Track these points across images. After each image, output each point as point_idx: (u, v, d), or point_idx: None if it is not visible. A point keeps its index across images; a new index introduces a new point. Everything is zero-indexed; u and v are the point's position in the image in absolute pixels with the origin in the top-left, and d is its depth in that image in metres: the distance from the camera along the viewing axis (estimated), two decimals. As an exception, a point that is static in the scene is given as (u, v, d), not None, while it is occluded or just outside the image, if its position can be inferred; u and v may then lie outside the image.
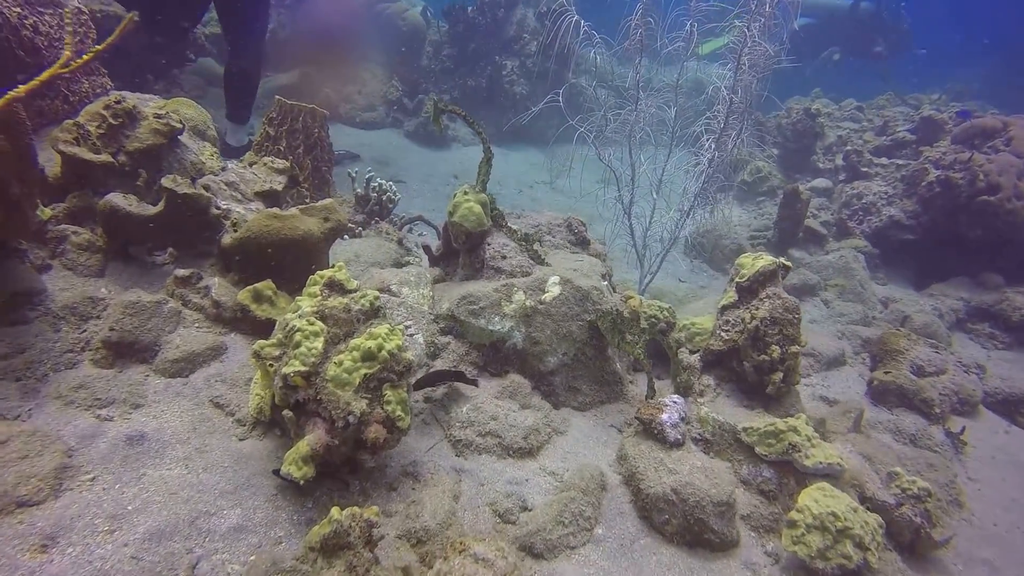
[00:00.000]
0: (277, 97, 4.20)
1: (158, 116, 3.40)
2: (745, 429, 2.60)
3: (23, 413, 2.12)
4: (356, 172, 4.45)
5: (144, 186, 3.35)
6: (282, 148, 4.17)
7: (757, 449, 2.54)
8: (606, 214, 6.87)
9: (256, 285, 2.62)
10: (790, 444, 2.45)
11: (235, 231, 2.90)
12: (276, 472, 2.04)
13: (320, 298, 2.31)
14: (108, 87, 3.95)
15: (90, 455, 2.04)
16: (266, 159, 3.71)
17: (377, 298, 2.36)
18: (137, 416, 2.25)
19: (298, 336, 2.07)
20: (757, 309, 2.87)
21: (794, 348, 2.77)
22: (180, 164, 3.56)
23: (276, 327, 2.21)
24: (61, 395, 2.21)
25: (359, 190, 4.44)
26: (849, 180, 6.69)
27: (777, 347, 2.75)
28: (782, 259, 3.08)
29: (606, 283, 3.14)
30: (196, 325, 2.61)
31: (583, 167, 4.36)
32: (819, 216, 6.58)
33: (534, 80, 8.97)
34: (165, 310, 2.53)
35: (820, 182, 6.92)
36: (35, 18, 3.51)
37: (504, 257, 2.91)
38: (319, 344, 2.07)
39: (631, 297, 3.39)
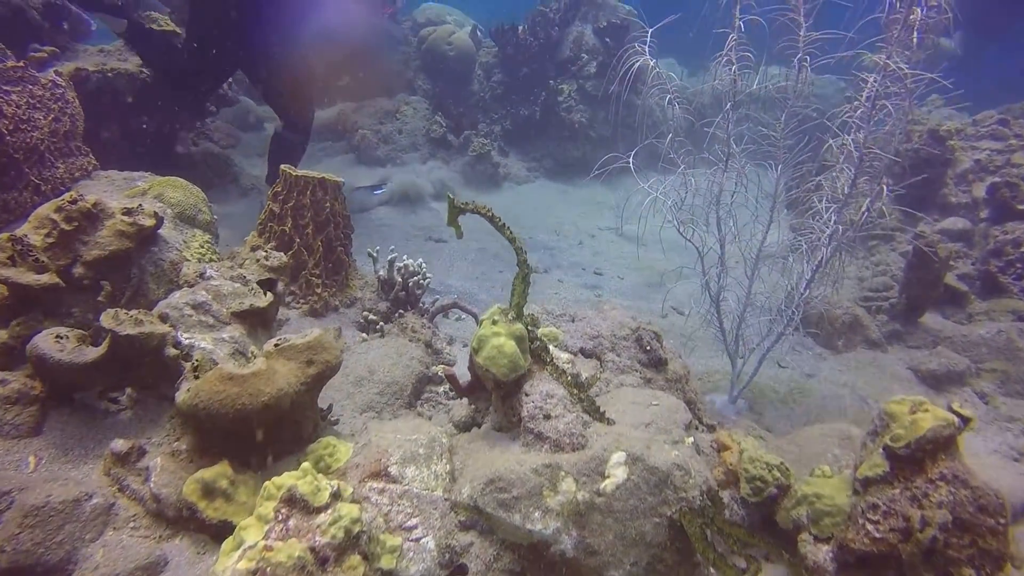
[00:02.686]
0: (282, 168, 3.65)
1: (127, 213, 2.90)
2: None
3: None
4: (377, 251, 3.84)
5: (107, 301, 2.84)
6: (288, 228, 3.61)
7: None
8: (683, 267, 5.99)
9: (205, 475, 2.00)
10: None
11: (196, 377, 2.30)
12: None
13: (273, 526, 1.65)
14: (89, 168, 3.52)
15: None
16: (259, 254, 3.15)
17: (356, 522, 1.68)
18: None
19: (219, 627, 1.40)
20: (928, 498, 1.99)
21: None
22: (156, 267, 3.05)
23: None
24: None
25: (382, 272, 3.83)
26: (997, 220, 5.51)
27: (971, 571, 1.86)
28: (956, 404, 2.18)
29: (691, 439, 2.34)
30: (131, 525, 2.01)
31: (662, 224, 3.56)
32: (955, 267, 5.44)
33: (595, 105, 8.19)
34: (87, 510, 1.95)
35: (954, 222, 5.77)
36: (-1, 99, 3.11)
37: (548, 417, 2.17)
38: (249, 639, 1.39)
39: (726, 448, 2.56)
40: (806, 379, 4.27)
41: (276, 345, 2.32)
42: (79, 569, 1.88)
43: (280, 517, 1.67)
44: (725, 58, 3.14)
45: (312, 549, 1.62)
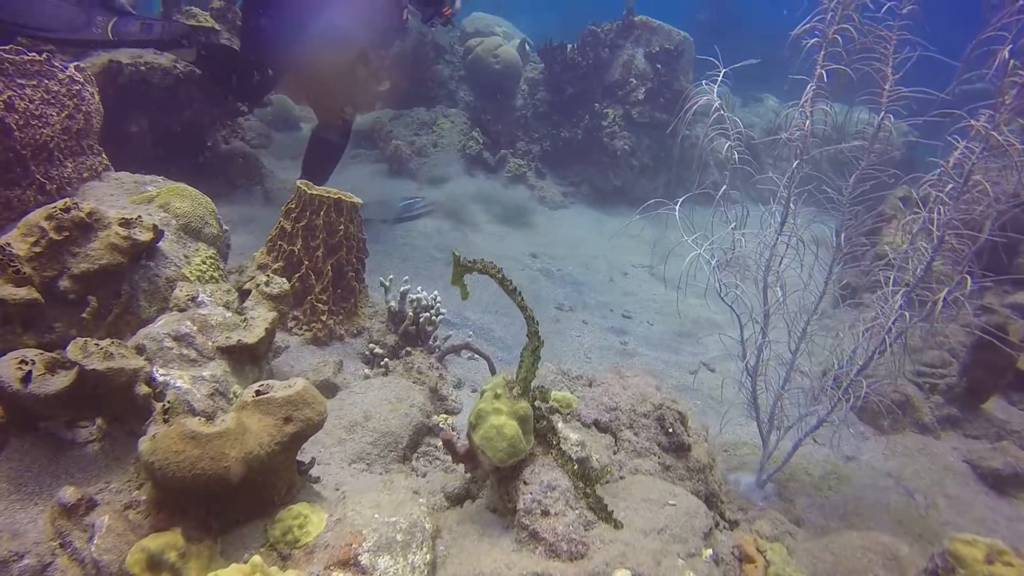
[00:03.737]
0: (298, 183, 3.49)
1: (124, 224, 2.77)
2: None
3: None
4: (390, 280, 3.64)
5: (92, 318, 2.71)
6: (297, 249, 3.45)
7: None
8: (719, 315, 5.65)
9: (152, 544, 1.80)
10: None
11: (165, 420, 2.13)
12: None
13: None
14: (99, 169, 3.41)
15: None
16: (261, 280, 2.98)
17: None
18: None
19: None
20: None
21: None
22: (150, 283, 2.92)
23: None
24: None
25: (392, 304, 3.63)
26: (1077, 300, 5.05)
27: None
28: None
29: (710, 551, 2.06)
30: (66, 592, 1.82)
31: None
32: (1026, 347, 4.99)
33: (639, 132, 7.92)
34: (14, 573, 1.76)
35: (1027, 297, 5.31)
36: (11, 92, 3.02)
37: (546, 514, 1.92)
38: None
39: (750, 560, 2.27)
40: (844, 462, 3.91)
41: (257, 392, 2.12)
42: (1, 641, 1.70)
43: (220, 621, 1.46)
44: (799, 110, 2.85)
45: (248, 669, 1.39)
